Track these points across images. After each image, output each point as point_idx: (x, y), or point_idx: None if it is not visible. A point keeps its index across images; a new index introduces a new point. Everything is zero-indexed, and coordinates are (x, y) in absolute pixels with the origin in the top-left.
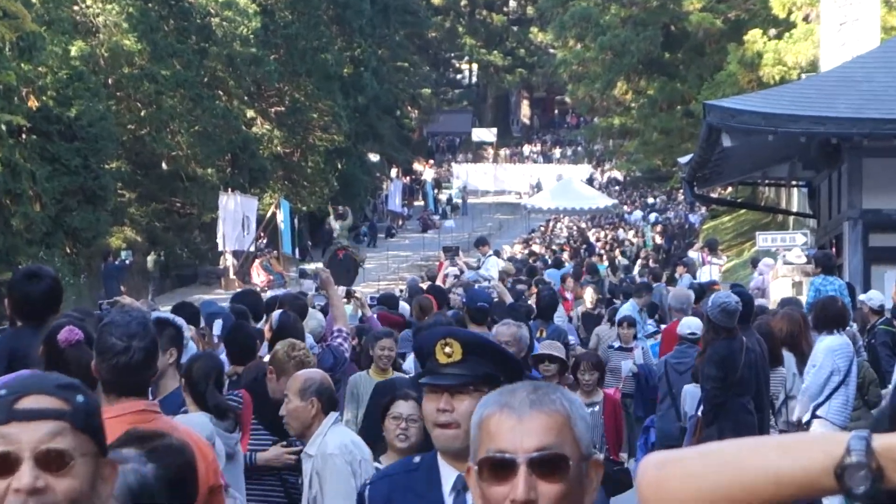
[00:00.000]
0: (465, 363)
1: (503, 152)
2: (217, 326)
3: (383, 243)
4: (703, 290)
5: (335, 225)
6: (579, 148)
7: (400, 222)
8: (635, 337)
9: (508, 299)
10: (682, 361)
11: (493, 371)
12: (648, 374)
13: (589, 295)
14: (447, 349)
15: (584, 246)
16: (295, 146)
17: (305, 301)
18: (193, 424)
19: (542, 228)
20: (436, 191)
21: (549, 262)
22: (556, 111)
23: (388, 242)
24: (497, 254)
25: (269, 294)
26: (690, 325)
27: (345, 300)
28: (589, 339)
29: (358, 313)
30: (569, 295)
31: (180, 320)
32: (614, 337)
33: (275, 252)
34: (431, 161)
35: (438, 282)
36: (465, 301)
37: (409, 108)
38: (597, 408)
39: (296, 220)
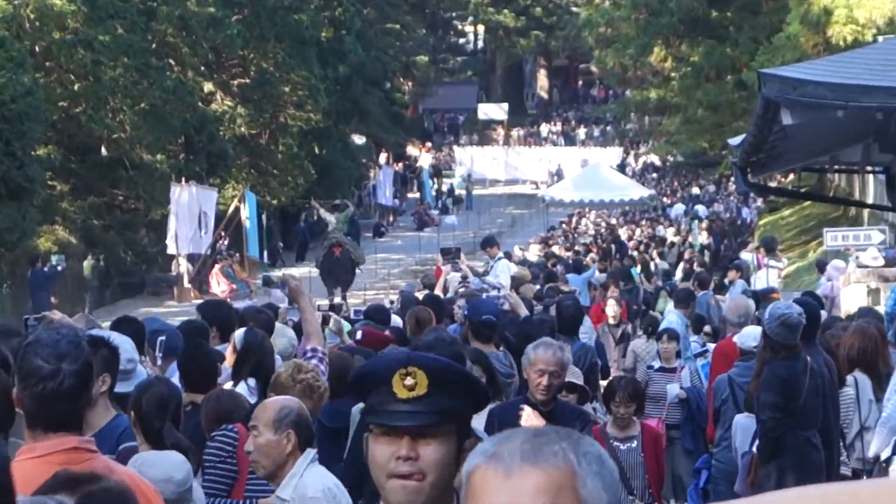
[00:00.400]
0: (431, 398)
1: (516, 133)
2: (159, 345)
3: (370, 244)
4: (759, 300)
5: (330, 218)
6: (608, 128)
7: (391, 218)
8: (678, 354)
9: (523, 311)
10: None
11: (463, 405)
12: (699, 400)
13: (611, 308)
14: (408, 380)
15: (615, 246)
16: (263, 126)
17: (270, 315)
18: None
19: (564, 225)
20: (434, 180)
21: (572, 263)
22: (580, 83)
23: (377, 243)
24: (508, 256)
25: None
26: (754, 335)
27: (326, 312)
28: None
29: (338, 335)
30: (610, 312)
31: (122, 339)
32: (653, 354)
33: (237, 256)
34: (429, 144)
35: (438, 290)
36: (467, 314)
37: (402, 79)
38: (634, 443)
39: (264, 217)
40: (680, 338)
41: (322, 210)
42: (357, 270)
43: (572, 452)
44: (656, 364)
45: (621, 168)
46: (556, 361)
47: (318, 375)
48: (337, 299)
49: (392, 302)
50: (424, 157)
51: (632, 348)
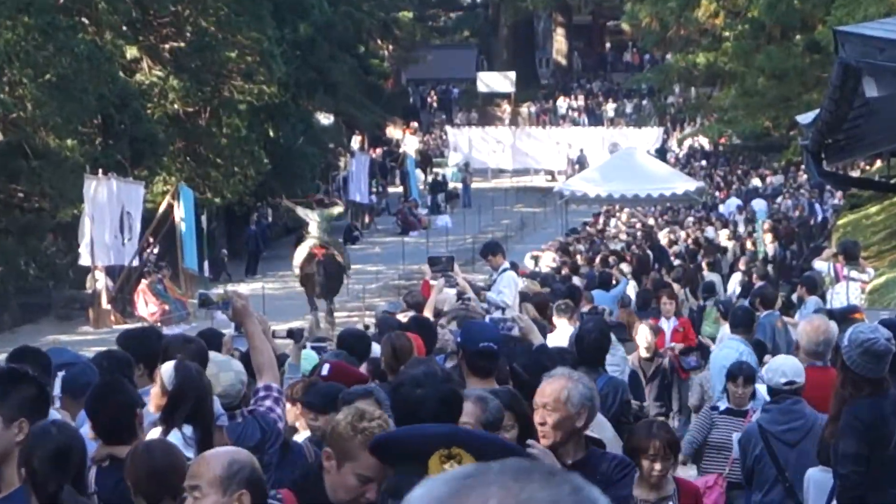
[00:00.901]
0: None
1: (526, 110)
2: (57, 384)
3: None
4: (837, 321)
5: (312, 215)
6: (644, 102)
7: (366, 219)
8: (753, 395)
9: (537, 339)
10: (791, 427)
11: None
12: None
13: (643, 336)
14: (450, 464)
15: (653, 254)
16: (202, 103)
17: (201, 346)
18: None
19: (588, 228)
20: (422, 170)
21: (598, 277)
22: (608, 45)
23: (349, 251)
24: (515, 267)
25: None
26: (784, 369)
27: (284, 339)
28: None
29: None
30: (642, 342)
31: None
32: (720, 394)
33: (170, 268)
34: (415, 124)
35: (427, 311)
36: (459, 341)
37: (380, 42)
38: None
39: (204, 219)
40: (756, 376)
41: (299, 208)
42: (344, 278)
43: None
44: (723, 405)
45: (661, 154)
46: (556, 395)
47: (386, 422)
48: (301, 323)
49: (367, 327)
50: (409, 141)
51: (699, 382)
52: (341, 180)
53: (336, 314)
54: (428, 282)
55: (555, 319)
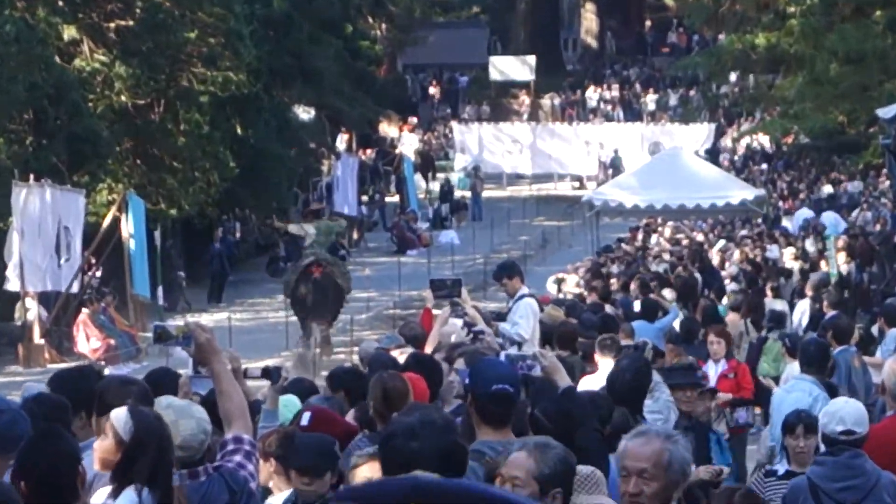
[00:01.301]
0: None
1: (549, 102)
2: None
3: None
4: None
5: (307, 229)
6: (692, 93)
7: (355, 235)
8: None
9: (563, 380)
10: (848, 486)
11: None
12: None
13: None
14: None
15: (703, 277)
16: (155, 94)
17: (143, 389)
18: None
19: (625, 245)
20: (422, 175)
21: (642, 305)
22: (648, 24)
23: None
24: (532, 298)
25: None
26: (842, 414)
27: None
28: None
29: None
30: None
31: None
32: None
33: (112, 298)
34: (413, 120)
35: (428, 347)
36: (468, 383)
37: (371, 20)
38: None
39: (158, 235)
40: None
41: (292, 225)
42: (345, 297)
43: None
44: (781, 467)
45: (712, 155)
46: (656, 459)
47: None
48: (279, 360)
49: (355, 363)
50: (407, 140)
51: (765, 435)
52: (324, 188)
53: (318, 350)
54: (430, 311)
55: (598, 357)
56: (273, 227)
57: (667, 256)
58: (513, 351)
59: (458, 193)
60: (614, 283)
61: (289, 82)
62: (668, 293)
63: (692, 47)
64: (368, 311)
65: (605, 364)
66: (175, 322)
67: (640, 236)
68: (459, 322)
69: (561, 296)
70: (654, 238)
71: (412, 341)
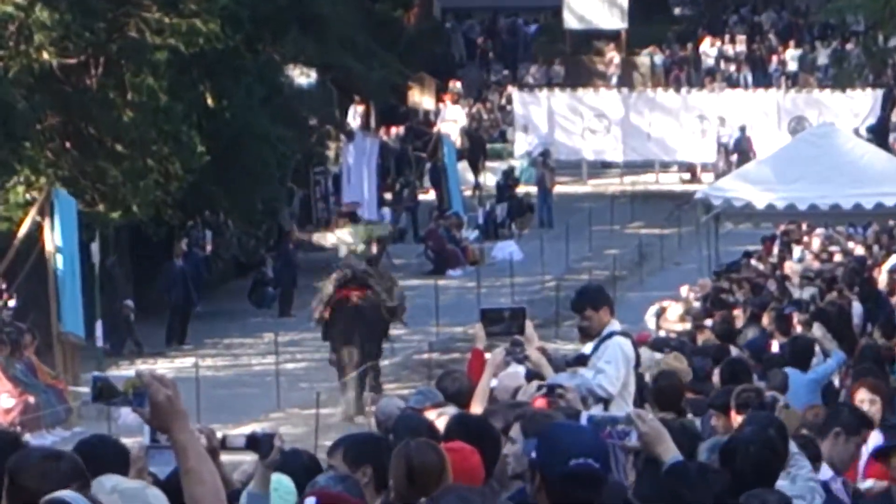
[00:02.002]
0: None
1: (647, 59)
2: None
3: None
4: None
5: (345, 237)
6: (849, 46)
7: (374, 248)
8: None
9: (668, 452)
10: None
11: None
12: None
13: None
14: None
15: (864, 305)
16: (91, 50)
17: (75, 464)
18: None
19: (756, 262)
20: (469, 164)
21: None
22: None
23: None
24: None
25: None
26: None
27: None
28: None
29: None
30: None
31: None
32: None
33: (31, 337)
34: (458, 85)
35: (476, 404)
36: (535, 456)
37: None
38: None
39: (96, 248)
40: None
41: (318, 235)
42: (399, 325)
43: None
44: None
45: (879, 135)
46: None
47: None
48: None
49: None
50: (450, 114)
51: None
52: (330, 182)
53: (324, 412)
54: (481, 353)
55: (734, 415)
56: (293, 240)
57: (814, 276)
58: (597, 411)
59: (520, 189)
60: (738, 316)
61: (281, 33)
62: (816, 330)
63: None
64: (394, 354)
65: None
66: (121, 372)
67: (777, 249)
68: (520, 370)
69: (661, 333)
70: (797, 251)
71: (455, 398)
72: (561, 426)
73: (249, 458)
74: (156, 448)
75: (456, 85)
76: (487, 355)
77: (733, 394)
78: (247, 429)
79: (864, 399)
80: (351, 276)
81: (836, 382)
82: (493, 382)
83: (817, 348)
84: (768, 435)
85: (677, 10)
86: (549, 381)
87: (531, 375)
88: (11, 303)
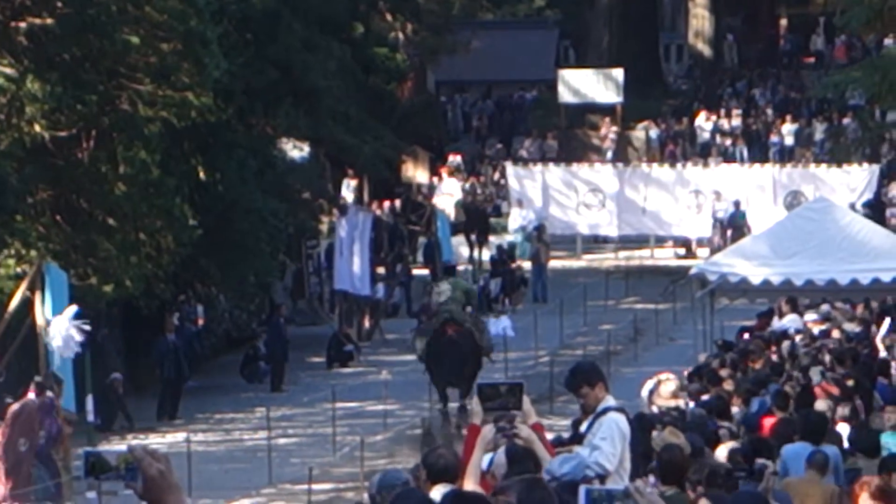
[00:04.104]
0: None
1: (643, 133)
2: None
3: (320, 381)
4: None
5: (441, 287)
6: (846, 120)
7: (366, 323)
8: None
9: None
10: None
11: None
12: None
13: None
14: None
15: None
16: (83, 123)
17: None
18: None
19: (752, 343)
20: (465, 237)
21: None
22: (783, 23)
23: (340, 377)
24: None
25: None
26: None
27: None
28: None
29: None
30: None
31: None
32: None
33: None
34: (457, 159)
35: (468, 482)
36: None
37: (391, 17)
38: None
39: (76, 330)
40: None
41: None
42: (485, 361)
43: None
44: None
45: (875, 210)
46: None
47: None
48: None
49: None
50: (448, 187)
51: None
52: (322, 255)
53: (317, 487)
54: (477, 428)
55: None
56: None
57: (817, 354)
58: (595, 486)
59: (516, 264)
60: (733, 393)
61: (274, 107)
62: (820, 405)
63: (851, 58)
64: (386, 429)
65: None
66: (113, 447)
67: (774, 327)
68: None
69: (654, 409)
70: (792, 328)
71: (442, 474)
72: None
73: None
74: None
75: (454, 159)
76: (485, 430)
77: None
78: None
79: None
80: (449, 318)
81: None
82: (487, 459)
83: None
84: None
85: (672, 84)
86: (546, 467)
87: (515, 453)
88: (1, 378)
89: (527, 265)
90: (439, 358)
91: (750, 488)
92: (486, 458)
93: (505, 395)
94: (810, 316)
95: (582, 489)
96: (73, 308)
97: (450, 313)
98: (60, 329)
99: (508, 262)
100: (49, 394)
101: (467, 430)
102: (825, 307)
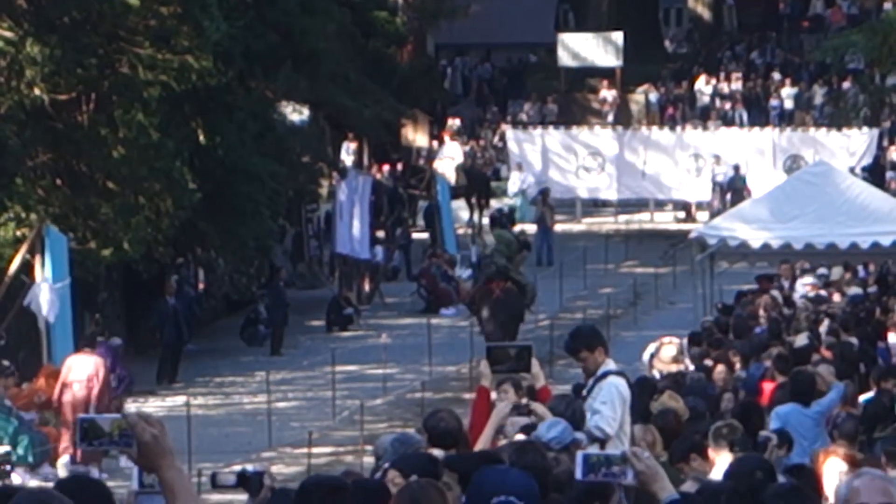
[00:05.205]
0: None
1: (642, 97)
2: None
3: (324, 343)
4: None
5: (487, 239)
6: (845, 84)
7: (366, 287)
8: None
9: (664, 489)
10: None
11: None
12: None
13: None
14: None
15: (860, 345)
16: (83, 86)
17: None
18: None
19: (752, 300)
20: (466, 201)
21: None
22: None
23: (340, 341)
24: (621, 376)
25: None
26: None
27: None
28: None
29: None
30: None
31: None
32: None
33: (14, 379)
34: (457, 122)
35: (483, 442)
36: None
37: None
38: None
39: (55, 294)
40: None
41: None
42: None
43: None
44: None
45: (875, 174)
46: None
47: None
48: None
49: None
50: (450, 150)
51: None
52: (322, 219)
53: (317, 451)
54: (487, 392)
55: (711, 453)
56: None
57: (811, 314)
58: (593, 450)
59: (515, 228)
60: (734, 358)
61: (273, 70)
62: (823, 369)
63: (849, 23)
64: (385, 393)
65: (722, 461)
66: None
67: (776, 289)
68: (522, 420)
69: (655, 373)
70: (799, 287)
71: (442, 438)
72: (489, 469)
73: (240, 496)
74: (145, 493)
75: (454, 122)
76: (493, 394)
77: (712, 428)
78: (237, 468)
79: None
80: (495, 271)
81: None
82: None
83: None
84: (754, 481)
85: (672, 48)
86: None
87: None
88: (0, 341)
89: (528, 228)
90: (488, 317)
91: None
92: None
93: (514, 358)
94: (808, 279)
95: (579, 454)
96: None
97: (495, 266)
98: (44, 296)
99: (509, 226)
100: (115, 339)
101: (476, 391)
102: (822, 270)
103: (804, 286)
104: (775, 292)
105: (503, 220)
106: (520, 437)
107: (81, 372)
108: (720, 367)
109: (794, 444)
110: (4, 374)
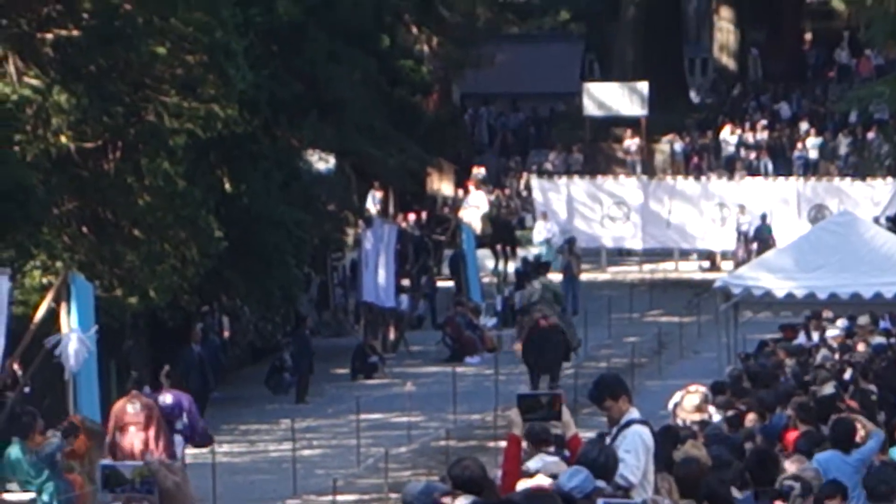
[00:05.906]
0: None
1: (667, 147)
2: None
3: (349, 391)
4: None
5: (534, 286)
6: (871, 135)
7: (391, 335)
8: None
9: None
10: None
11: None
12: None
13: None
14: None
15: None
16: (109, 134)
17: None
18: None
19: (775, 349)
20: (490, 250)
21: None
22: (809, 38)
23: (365, 389)
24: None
25: None
26: None
27: None
28: None
29: None
30: None
31: None
32: None
33: (41, 424)
34: (481, 171)
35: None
36: None
37: (416, 31)
38: None
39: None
40: None
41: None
42: (571, 356)
43: None
44: None
45: None
46: None
47: None
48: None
49: None
50: (475, 200)
51: None
52: (347, 268)
53: (341, 499)
54: (517, 440)
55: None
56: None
57: (836, 364)
58: (612, 500)
59: (542, 279)
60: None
61: (299, 118)
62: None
63: (872, 71)
64: (410, 441)
65: None
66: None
67: (802, 338)
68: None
69: (679, 422)
70: (822, 355)
71: (465, 487)
72: None
73: None
74: None
75: (479, 171)
76: (524, 444)
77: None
78: None
79: None
80: (542, 312)
81: None
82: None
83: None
84: None
85: (697, 98)
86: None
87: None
88: (27, 389)
89: (556, 278)
90: (537, 349)
91: None
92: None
93: (545, 406)
94: (833, 332)
95: (600, 501)
96: (94, 329)
97: (541, 311)
98: (72, 346)
99: (540, 277)
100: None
101: (508, 439)
102: (842, 321)
103: (830, 338)
104: (800, 341)
105: (531, 268)
106: (546, 481)
107: (137, 415)
108: (751, 416)
109: None
110: (37, 421)
